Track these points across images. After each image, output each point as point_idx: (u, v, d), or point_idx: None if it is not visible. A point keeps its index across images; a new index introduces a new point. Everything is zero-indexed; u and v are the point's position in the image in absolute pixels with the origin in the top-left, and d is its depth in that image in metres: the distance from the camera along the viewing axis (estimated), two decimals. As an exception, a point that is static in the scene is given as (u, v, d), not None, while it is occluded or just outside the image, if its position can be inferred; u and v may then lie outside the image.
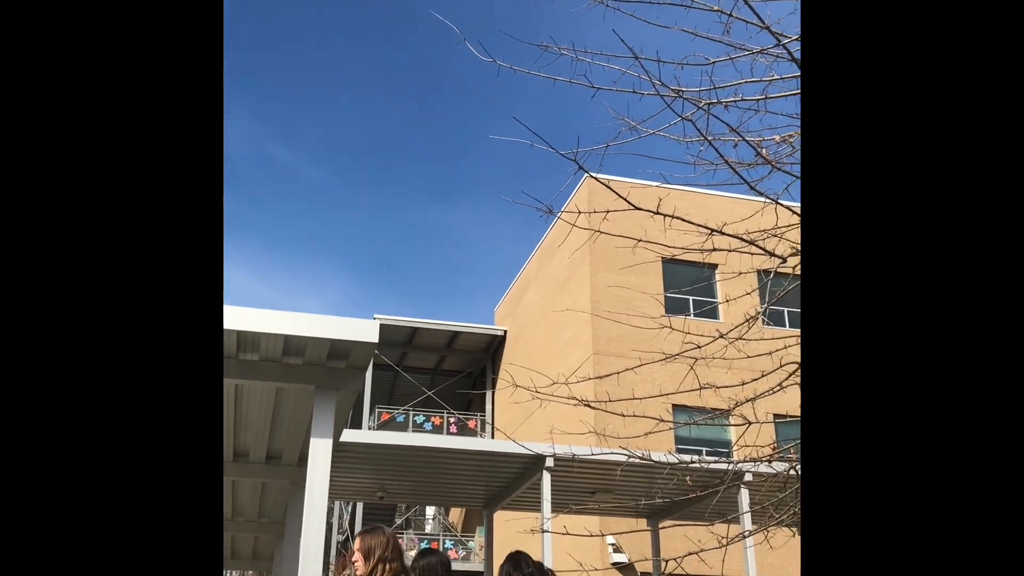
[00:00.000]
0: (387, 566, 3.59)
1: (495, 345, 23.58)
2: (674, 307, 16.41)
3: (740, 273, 4.03)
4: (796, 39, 3.37)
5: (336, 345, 5.34)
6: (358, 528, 21.80)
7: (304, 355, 5.47)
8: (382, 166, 55.24)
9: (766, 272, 3.66)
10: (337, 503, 23.24)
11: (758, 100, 3.46)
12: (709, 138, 3.26)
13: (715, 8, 3.43)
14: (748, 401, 3.82)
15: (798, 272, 3.73)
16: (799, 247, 3.44)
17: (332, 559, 20.09)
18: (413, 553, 6.74)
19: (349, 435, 9.33)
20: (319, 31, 45.46)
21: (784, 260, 3.41)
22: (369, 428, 22.22)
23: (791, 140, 3.54)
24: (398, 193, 55.42)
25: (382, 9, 48.16)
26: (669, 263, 16.54)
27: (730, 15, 3.35)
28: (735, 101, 3.47)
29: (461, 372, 24.96)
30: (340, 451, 9.28)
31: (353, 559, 3.68)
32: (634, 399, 4.06)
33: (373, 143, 52.60)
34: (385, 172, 55.51)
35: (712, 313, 15.54)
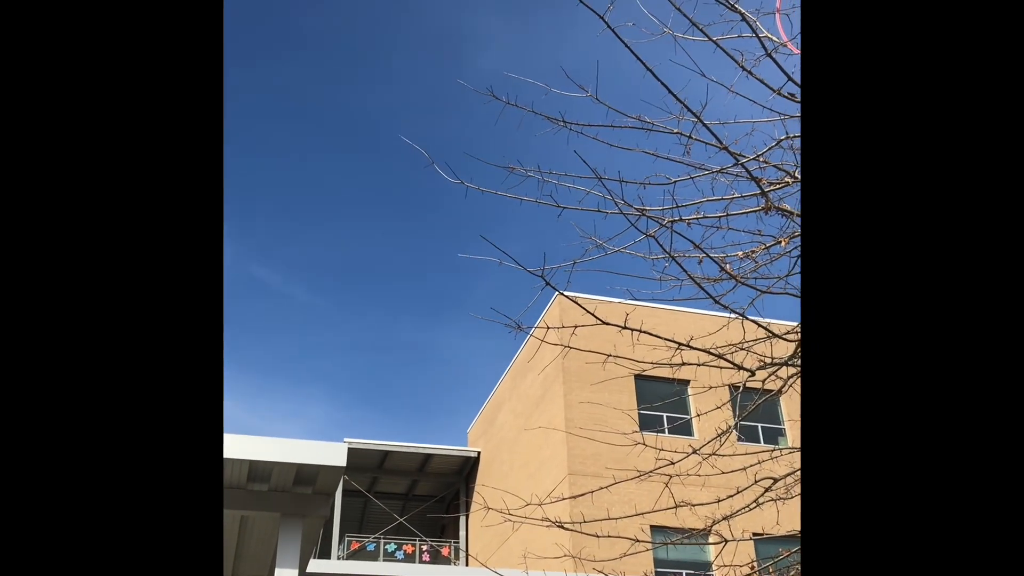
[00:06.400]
0: None
1: (468, 467, 23.10)
2: (648, 423, 16.28)
3: (710, 387, 4.03)
4: (753, 158, 3.49)
5: (303, 470, 5.20)
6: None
7: (270, 481, 5.32)
8: (363, 286, 55.46)
9: (735, 387, 3.66)
10: (304, 639, 22.12)
11: (720, 217, 3.55)
12: (673, 255, 3.32)
13: (675, 131, 3.55)
14: (725, 519, 3.75)
15: (767, 387, 3.73)
16: (767, 360, 3.45)
17: None
18: None
19: (317, 565, 9.00)
20: (299, 151, 46.31)
21: (753, 374, 3.41)
22: (338, 557, 21.42)
23: (754, 256, 3.61)
24: (379, 313, 55.46)
25: (354, 130, 49.42)
26: (641, 379, 16.50)
27: (690, 136, 3.47)
28: (697, 219, 3.55)
29: (434, 496, 24.34)
30: (307, 582, 8.91)
31: None
32: (609, 519, 3.97)
33: (354, 262, 52.95)
34: (366, 292, 55.68)
35: (686, 429, 15.43)
